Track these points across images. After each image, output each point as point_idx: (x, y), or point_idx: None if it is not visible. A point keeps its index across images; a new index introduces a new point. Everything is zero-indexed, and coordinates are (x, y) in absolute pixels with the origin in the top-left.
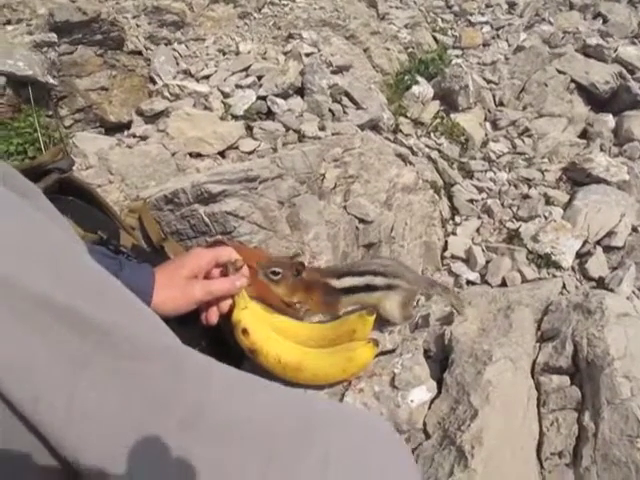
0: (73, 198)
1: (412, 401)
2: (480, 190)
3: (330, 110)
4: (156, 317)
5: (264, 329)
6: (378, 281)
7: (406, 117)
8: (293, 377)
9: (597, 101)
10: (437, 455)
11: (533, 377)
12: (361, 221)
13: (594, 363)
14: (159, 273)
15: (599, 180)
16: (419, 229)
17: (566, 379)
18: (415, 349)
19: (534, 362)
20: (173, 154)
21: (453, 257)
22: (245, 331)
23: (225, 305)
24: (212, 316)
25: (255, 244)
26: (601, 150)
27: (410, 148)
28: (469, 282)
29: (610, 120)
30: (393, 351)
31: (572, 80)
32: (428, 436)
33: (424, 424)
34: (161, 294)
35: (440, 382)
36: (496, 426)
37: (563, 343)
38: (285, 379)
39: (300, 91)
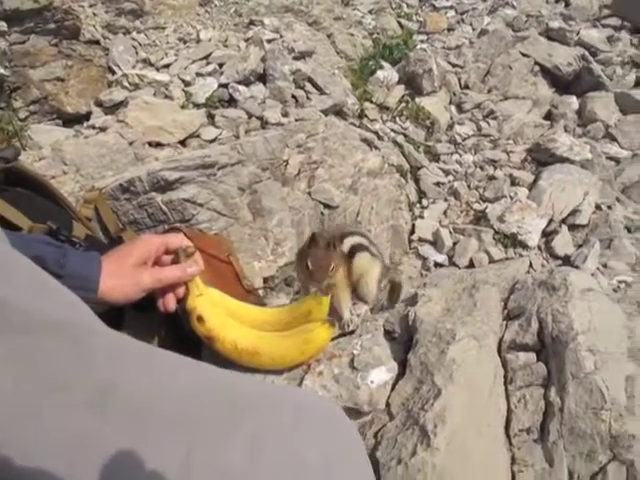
0: (21, 189)
1: (372, 382)
2: (446, 173)
3: (293, 96)
4: (71, 296)
5: (220, 315)
6: (366, 242)
7: (371, 102)
8: (250, 362)
9: (561, 83)
10: (400, 435)
11: (500, 355)
12: (326, 206)
13: (559, 338)
14: (106, 261)
15: (563, 159)
16: (386, 213)
17: (532, 356)
18: (375, 330)
19: (501, 340)
20: (131, 143)
21: (421, 240)
22: (200, 318)
23: (181, 291)
24: (169, 303)
25: (215, 231)
26: (565, 131)
27: (376, 133)
28: (437, 264)
29: (574, 102)
30: (352, 332)
31: (536, 63)
32: (392, 417)
33: (388, 405)
34: (108, 282)
35: (405, 364)
36: (460, 404)
37: (529, 320)
38: (242, 364)
39: (262, 78)
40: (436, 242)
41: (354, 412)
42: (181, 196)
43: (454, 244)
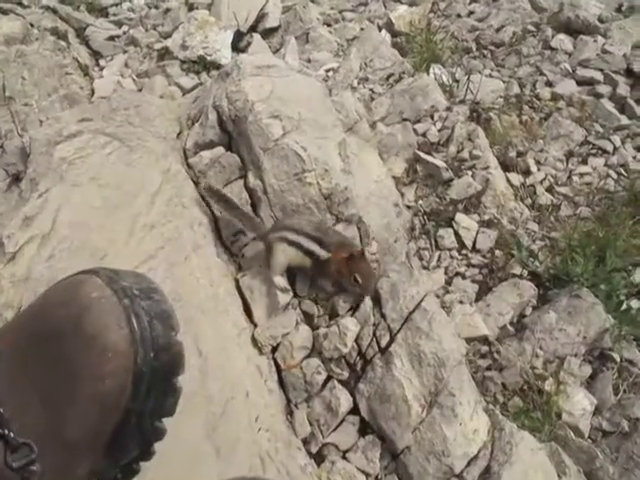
0: None
1: None
2: (119, 24)
3: None
4: None
5: None
6: None
7: None
8: None
9: None
10: None
11: (190, 169)
12: None
13: (238, 117)
14: None
15: None
16: (51, 83)
17: (219, 149)
18: None
19: (185, 152)
20: None
21: (102, 99)
22: None
23: None
24: None
25: None
26: None
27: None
28: None
29: None
30: None
31: None
32: None
33: None
34: None
35: None
36: (69, 204)
37: (206, 115)
38: None
39: None
40: None
41: None
42: None
43: (139, 90)
